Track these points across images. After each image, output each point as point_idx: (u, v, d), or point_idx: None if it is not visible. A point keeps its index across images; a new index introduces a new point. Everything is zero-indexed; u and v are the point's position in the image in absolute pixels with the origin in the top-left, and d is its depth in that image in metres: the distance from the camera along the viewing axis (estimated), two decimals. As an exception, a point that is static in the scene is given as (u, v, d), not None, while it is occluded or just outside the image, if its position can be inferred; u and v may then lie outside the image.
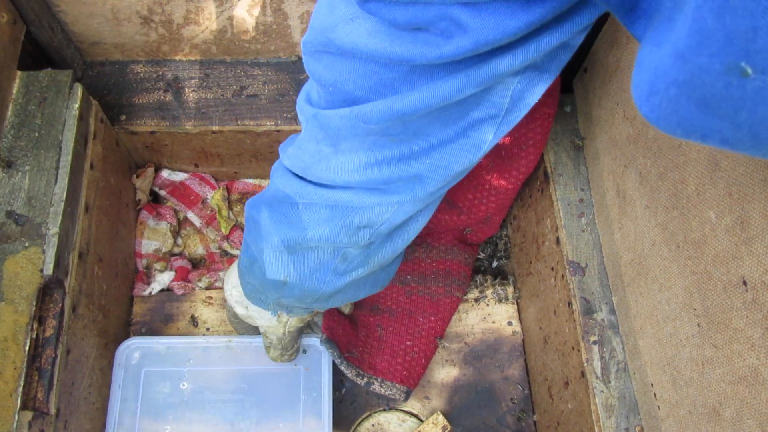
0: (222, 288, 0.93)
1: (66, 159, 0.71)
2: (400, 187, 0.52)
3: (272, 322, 0.74)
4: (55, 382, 0.64)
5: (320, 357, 0.83)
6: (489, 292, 0.95)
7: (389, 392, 0.86)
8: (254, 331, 0.83)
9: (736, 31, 0.21)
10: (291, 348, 0.79)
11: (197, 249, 0.99)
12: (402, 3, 0.39)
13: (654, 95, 0.27)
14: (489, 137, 0.49)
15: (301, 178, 0.57)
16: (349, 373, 0.85)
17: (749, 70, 0.22)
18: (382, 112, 0.45)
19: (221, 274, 0.94)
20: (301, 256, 0.61)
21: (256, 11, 0.82)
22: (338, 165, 0.52)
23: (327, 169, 0.53)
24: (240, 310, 0.74)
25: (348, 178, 0.52)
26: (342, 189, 0.54)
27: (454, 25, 0.38)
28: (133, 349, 0.82)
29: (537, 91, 0.47)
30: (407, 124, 0.46)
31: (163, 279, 0.91)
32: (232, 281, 0.74)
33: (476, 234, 0.95)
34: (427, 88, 0.43)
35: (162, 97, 0.88)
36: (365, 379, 0.85)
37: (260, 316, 0.73)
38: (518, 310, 0.94)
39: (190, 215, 0.98)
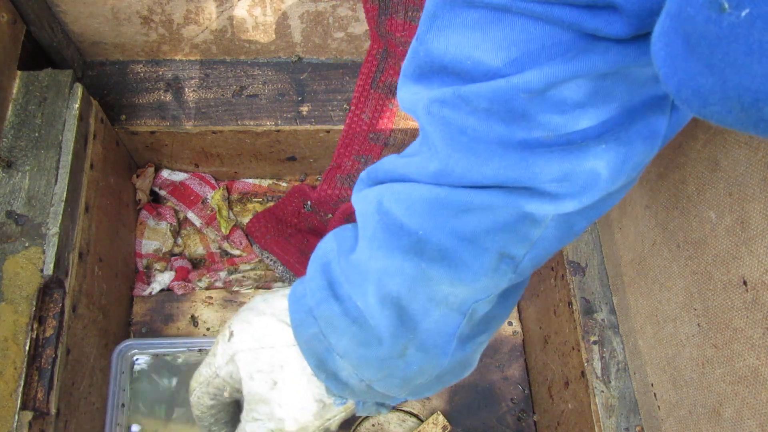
0: (222, 288, 0.93)
1: (66, 159, 0.71)
2: (565, 187, 0.40)
3: (306, 416, 0.50)
4: (55, 382, 0.64)
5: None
6: (489, 292, 0.95)
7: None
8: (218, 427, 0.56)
9: None
10: None
11: (197, 249, 0.99)
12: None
13: (658, 27, 0.27)
14: (663, 121, 0.40)
15: (432, 183, 0.42)
16: None
17: (726, 5, 0.22)
18: (546, 79, 0.36)
19: (221, 274, 0.94)
20: (425, 312, 0.44)
21: (257, 11, 0.82)
22: (487, 154, 0.39)
23: (470, 162, 0.40)
24: (259, 387, 0.49)
25: (500, 171, 0.39)
26: (491, 189, 0.41)
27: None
28: (131, 350, 0.82)
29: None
30: (566, 101, 0.37)
31: (163, 279, 0.91)
32: (259, 338, 0.49)
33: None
34: (597, 53, 0.35)
35: (162, 97, 0.88)
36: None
37: (290, 401, 0.49)
38: (518, 310, 0.94)
39: (190, 215, 0.98)
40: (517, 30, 0.36)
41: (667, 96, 0.39)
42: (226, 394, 0.52)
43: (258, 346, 0.49)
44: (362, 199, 0.46)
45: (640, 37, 0.35)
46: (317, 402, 0.49)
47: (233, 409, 0.55)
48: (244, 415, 0.51)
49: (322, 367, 0.47)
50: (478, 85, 0.38)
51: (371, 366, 0.46)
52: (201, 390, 0.53)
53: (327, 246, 0.50)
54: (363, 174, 0.48)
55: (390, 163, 0.45)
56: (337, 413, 0.51)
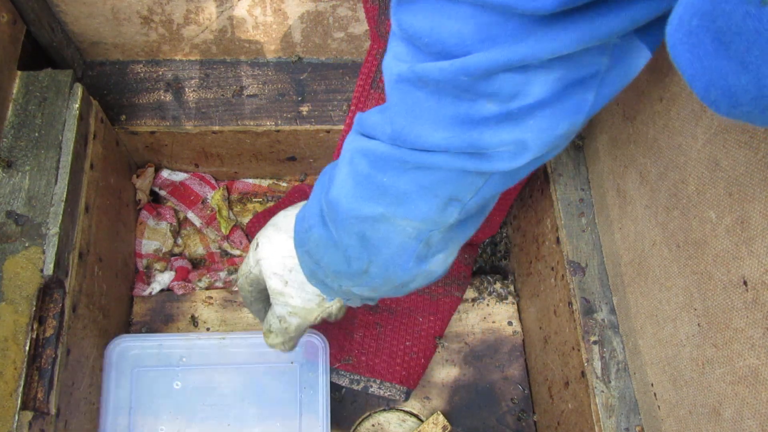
0: (222, 288, 0.93)
1: (66, 159, 0.71)
2: (502, 153, 0.48)
3: (310, 305, 0.66)
4: (55, 382, 0.64)
5: (317, 354, 0.83)
6: (489, 292, 0.95)
7: (389, 393, 0.86)
8: (263, 308, 0.74)
9: None
10: (297, 338, 0.71)
11: (197, 249, 0.99)
12: None
13: (680, 28, 0.27)
14: (590, 98, 0.46)
15: (390, 144, 0.52)
16: (343, 382, 0.85)
17: None
18: (486, 65, 0.42)
19: (221, 274, 0.94)
20: (386, 240, 0.55)
21: (256, 11, 0.82)
22: (436, 124, 0.47)
23: (423, 131, 0.48)
24: (275, 284, 0.65)
25: (446, 141, 0.48)
26: (439, 153, 0.49)
27: None
28: (125, 347, 0.81)
29: (637, 57, 0.45)
30: (505, 82, 0.44)
31: (163, 279, 0.91)
32: (276, 249, 0.64)
33: (476, 234, 0.95)
34: (534, 41, 0.40)
35: (162, 97, 0.88)
36: (362, 383, 0.85)
37: (299, 296, 0.65)
38: (518, 310, 0.94)
39: (190, 215, 0.98)
40: (467, 16, 0.42)
41: (597, 74, 0.45)
42: (259, 282, 0.69)
43: (274, 254, 0.64)
44: (345, 145, 0.57)
45: (568, 17, 0.39)
46: (317, 296, 0.65)
47: (266, 291, 0.71)
48: (271, 299, 0.67)
49: (313, 275, 0.62)
50: (431, 64, 0.45)
51: (345, 278, 0.59)
52: (242, 279, 0.70)
53: (323, 177, 0.60)
54: (356, 117, 0.57)
55: (369, 117, 0.54)
56: (333, 304, 0.67)
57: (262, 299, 0.73)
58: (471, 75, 0.43)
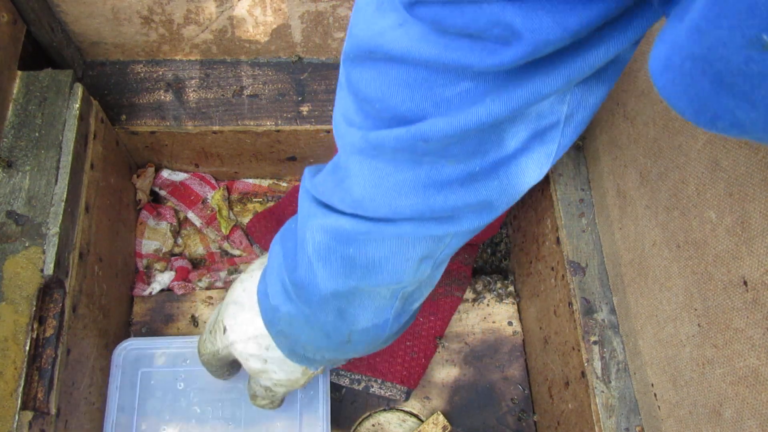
0: (222, 288, 0.93)
1: (66, 159, 0.71)
2: (468, 214, 0.47)
3: (295, 375, 0.64)
4: (55, 382, 0.64)
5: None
6: (489, 292, 0.95)
7: (389, 393, 0.86)
8: (231, 372, 0.72)
9: (758, 1, 0.20)
10: (283, 398, 0.70)
11: (197, 249, 0.99)
12: (449, 6, 0.35)
13: (669, 70, 0.26)
14: (553, 148, 0.45)
15: (351, 215, 0.49)
16: (343, 381, 0.85)
17: None
18: (444, 130, 0.40)
19: (221, 274, 0.94)
20: (362, 308, 0.53)
21: (257, 11, 0.82)
22: (397, 192, 0.45)
23: (385, 201, 0.46)
24: (255, 365, 0.62)
25: (411, 209, 0.46)
26: (405, 221, 0.47)
27: (508, 30, 0.34)
28: (131, 350, 0.82)
29: (595, 96, 0.44)
30: (464, 142, 0.42)
31: (163, 279, 0.91)
32: (246, 331, 0.60)
33: (477, 235, 0.95)
34: (491, 100, 0.38)
35: (162, 97, 0.88)
36: (363, 383, 0.85)
37: (281, 369, 0.62)
38: (518, 310, 0.94)
39: (191, 215, 0.98)
40: (418, 80, 0.40)
41: (557, 123, 0.43)
42: (228, 357, 0.66)
43: (246, 337, 0.61)
44: (301, 218, 0.53)
45: (523, 71, 0.38)
46: (300, 367, 0.63)
47: (235, 361, 0.68)
48: (251, 376, 0.65)
49: (293, 352, 0.60)
50: (385, 132, 0.42)
51: (328, 350, 0.58)
52: (208, 357, 0.67)
53: (276, 253, 0.58)
54: (306, 175, 0.54)
55: (324, 182, 0.51)
56: (313, 372, 0.65)
57: (227, 368, 0.70)
58: (429, 141, 0.41)
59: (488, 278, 0.96)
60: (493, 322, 0.93)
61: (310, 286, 0.52)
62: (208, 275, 0.93)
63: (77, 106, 0.74)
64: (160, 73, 0.90)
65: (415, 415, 0.88)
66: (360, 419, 0.87)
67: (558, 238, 0.76)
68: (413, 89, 0.40)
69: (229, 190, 1.02)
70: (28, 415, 0.61)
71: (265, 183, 1.03)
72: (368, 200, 0.47)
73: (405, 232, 0.47)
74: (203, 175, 1.00)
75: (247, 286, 0.63)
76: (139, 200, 0.96)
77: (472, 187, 0.45)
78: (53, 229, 0.67)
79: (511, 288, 0.95)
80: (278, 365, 0.62)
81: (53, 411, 0.64)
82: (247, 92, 0.89)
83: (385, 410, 0.88)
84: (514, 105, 0.39)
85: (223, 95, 0.89)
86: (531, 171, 0.45)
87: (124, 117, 0.87)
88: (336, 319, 0.54)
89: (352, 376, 0.85)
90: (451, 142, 0.41)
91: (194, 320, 0.90)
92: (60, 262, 0.67)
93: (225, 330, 0.62)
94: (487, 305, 0.94)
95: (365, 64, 0.42)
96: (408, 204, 0.46)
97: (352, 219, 0.48)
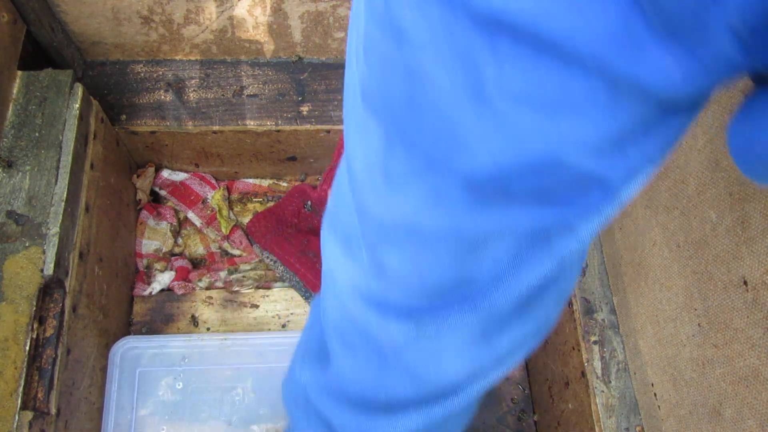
0: (222, 288, 0.93)
1: (66, 159, 0.71)
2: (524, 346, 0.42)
3: None
4: (55, 382, 0.64)
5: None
6: (489, 292, 0.95)
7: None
8: None
9: None
10: None
11: (198, 249, 0.99)
12: None
13: (758, 161, 0.24)
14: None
15: (414, 400, 0.43)
16: None
17: None
18: (510, 296, 0.36)
19: (222, 274, 0.94)
20: None
21: (257, 11, 0.82)
22: (463, 356, 0.40)
23: (449, 367, 0.41)
24: None
25: (474, 364, 0.41)
26: (470, 381, 0.43)
27: (597, 183, 0.30)
28: (128, 348, 0.81)
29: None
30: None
31: (163, 279, 0.91)
32: None
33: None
34: (551, 249, 0.34)
35: (162, 97, 0.88)
36: None
37: None
38: (518, 310, 0.94)
39: (191, 215, 0.98)
40: (477, 254, 0.34)
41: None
42: None
43: None
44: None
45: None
46: None
47: None
48: None
49: None
50: (443, 318, 0.37)
51: None
52: None
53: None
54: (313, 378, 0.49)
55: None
56: None
57: None
58: (498, 307, 0.37)
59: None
60: (493, 322, 0.93)
61: None
62: (208, 275, 0.93)
63: (77, 106, 0.74)
64: (160, 73, 0.90)
65: (415, 415, 0.88)
66: None
67: (558, 238, 0.76)
68: (458, 256, 0.34)
69: (229, 189, 1.02)
70: (28, 415, 0.61)
71: (265, 183, 1.03)
72: (433, 375, 0.43)
73: (473, 388, 0.44)
74: (203, 175, 1.00)
75: None
76: (139, 200, 0.96)
77: (528, 315, 0.40)
78: (53, 229, 0.67)
79: (511, 288, 0.95)
80: None
81: (53, 411, 0.64)
82: (247, 92, 0.89)
83: (385, 410, 0.88)
84: (570, 246, 0.34)
85: (223, 95, 0.89)
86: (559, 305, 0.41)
87: (124, 117, 0.87)
88: None
89: None
90: (515, 297, 0.37)
91: (194, 320, 0.90)
92: (60, 262, 0.67)
93: None
94: (487, 305, 0.94)
95: (396, 247, 0.35)
96: (471, 358, 0.41)
97: (420, 406, 0.44)
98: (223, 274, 0.94)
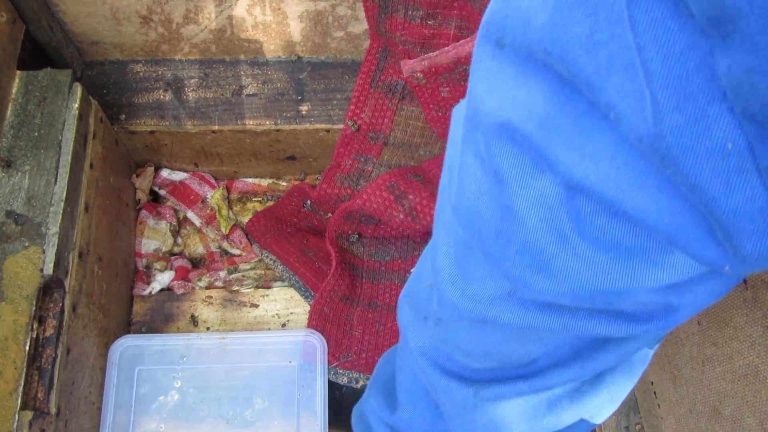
0: (222, 287, 0.93)
1: (66, 159, 0.71)
2: (577, 424, 0.44)
3: None
4: (55, 381, 0.64)
5: (314, 354, 0.83)
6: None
7: (389, 391, 0.86)
8: None
9: None
10: None
11: (197, 248, 0.99)
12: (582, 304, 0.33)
13: None
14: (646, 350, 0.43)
15: None
16: (342, 380, 0.85)
17: None
18: (566, 378, 0.39)
19: (221, 273, 0.94)
20: None
21: (256, 10, 0.82)
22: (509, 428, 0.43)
23: None
24: None
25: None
26: None
27: (662, 308, 0.32)
28: (127, 347, 0.81)
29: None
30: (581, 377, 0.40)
31: (163, 278, 0.91)
32: None
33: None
34: (614, 347, 0.37)
35: (161, 97, 0.88)
36: (361, 382, 0.85)
37: None
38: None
39: (190, 215, 0.98)
40: (530, 334, 0.37)
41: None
42: None
43: None
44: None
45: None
46: None
47: None
48: None
49: None
50: (503, 388, 0.40)
51: None
52: None
53: None
54: (385, 417, 0.52)
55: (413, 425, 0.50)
56: None
57: None
58: (553, 387, 0.40)
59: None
60: (493, 321, 0.93)
61: None
62: (208, 275, 0.93)
63: (76, 105, 0.74)
64: (160, 72, 0.90)
65: (415, 414, 0.88)
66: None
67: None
68: (524, 341, 0.38)
69: (228, 189, 1.02)
70: (28, 414, 0.61)
71: (265, 182, 1.03)
72: None
73: None
74: (203, 174, 1.00)
75: None
76: (139, 200, 0.96)
77: (578, 401, 0.43)
78: (53, 229, 0.67)
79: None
80: None
81: (53, 411, 0.64)
82: (246, 91, 0.89)
83: (385, 409, 0.88)
84: (636, 347, 0.37)
85: (222, 94, 0.89)
86: (634, 375, 0.43)
87: (123, 116, 0.87)
88: None
89: (351, 375, 0.85)
90: (573, 380, 0.40)
91: (194, 319, 0.90)
92: (60, 262, 0.67)
93: None
94: (487, 304, 0.94)
95: (466, 329, 0.40)
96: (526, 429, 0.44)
97: None
98: (222, 273, 0.94)
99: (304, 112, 0.88)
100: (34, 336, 0.63)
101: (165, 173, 0.98)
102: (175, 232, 0.98)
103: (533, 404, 0.42)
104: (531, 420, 0.43)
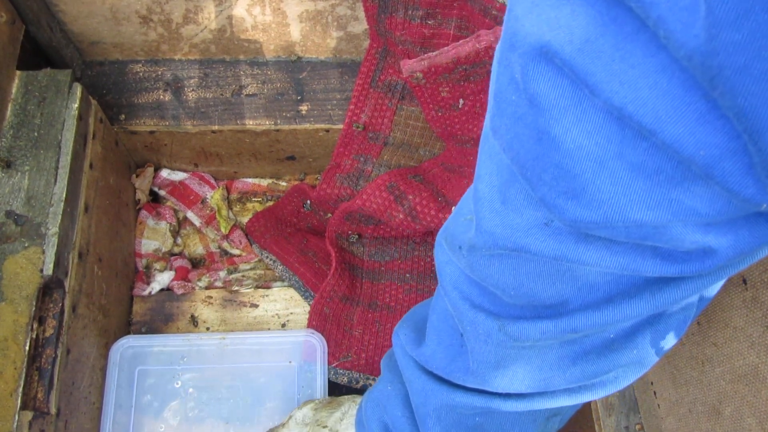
0: (222, 288, 0.93)
1: (65, 159, 0.71)
2: (606, 378, 0.43)
3: None
4: (55, 382, 0.64)
5: (314, 353, 0.83)
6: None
7: (389, 391, 0.86)
8: None
9: None
10: None
11: (197, 249, 0.99)
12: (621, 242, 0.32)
13: None
14: (692, 313, 0.41)
15: (477, 391, 0.47)
16: (342, 380, 0.85)
17: None
18: (600, 321, 0.37)
19: (221, 273, 0.94)
20: None
21: (256, 10, 0.82)
22: (531, 370, 0.43)
23: (514, 379, 0.44)
24: None
25: (545, 381, 0.43)
26: (537, 396, 0.45)
27: (701, 248, 0.31)
28: (127, 347, 0.82)
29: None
30: (616, 324, 0.39)
31: (162, 279, 0.91)
32: None
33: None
34: (649, 296, 0.36)
35: (161, 97, 0.88)
36: (361, 382, 0.85)
37: None
38: (518, 308, 0.94)
39: (190, 215, 0.98)
40: (563, 270, 0.37)
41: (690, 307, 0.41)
42: None
43: None
44: (417, 398, 0.52)
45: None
46: None
47: None
48: None
49: None
50: (528, 325, 0.39)
51: None
52: None
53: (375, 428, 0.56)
54: (409, 349, 0.52)
55: (434, 359, 0.49)
56: None
57: None
58: (578, 330, 0.38)
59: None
60: (493, 321, 0.93)
61: None
62: (208, 275, 0.93)
63: (76, 105, 0.74)
64: (159, 72, 0.90)
65: (415, 414, 0.88)
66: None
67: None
68: (555, 278, 0.38)
69: (228, 189, 1.02)
70: (28, 415, 0.61)
71: (265, 182, 1.03)
72: (492, 380, 0.45)
73: (533, 404, 0.46)
74: (202, 174, 1.00)
75: None
76: (139, 200, 0.96)
77: (614, 353, 0.42)
78: (52, 229, 0.67)
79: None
80: None
81: (53, 411, 0.64)
82: (246, 91, 0.89)
83: (384, 409, 0.88)
84: (671, 300, 0.36)
85: (222, 94, 0.88)
86: (670, 338, 0.42)
87: (123, 117, 0.87)
88: None
89: (351, 375, 0.85)
90: (603, 327, 0.39)
91: (194, 320, 0.90)
92: (59, 262, 0.67)
93: None
94: (487, 304, 0.94)
95: (499, 258, 0.39)
96: (542, 377, 0.43)
97: (479, 396, 0.47)
98: (222, 273, 0.94)
99: (303, 112, 0.88)
100: (34, 336, 0.63)
101: (165, 173, 0.98)
102: (175, 233, 0.98)
103: (558, 354, 0.42)
104: (552, 369, 0.42)
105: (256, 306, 0.91)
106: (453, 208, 0.90)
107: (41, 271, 0.65)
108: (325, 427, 0.63)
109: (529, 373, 0.43)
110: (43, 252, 0.66)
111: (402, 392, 0.55)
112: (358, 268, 0.93)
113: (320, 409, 0.68)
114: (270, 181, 1.03)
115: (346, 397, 0.68)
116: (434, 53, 0.74)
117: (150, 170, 0.97)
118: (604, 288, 0.37)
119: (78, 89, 0.74)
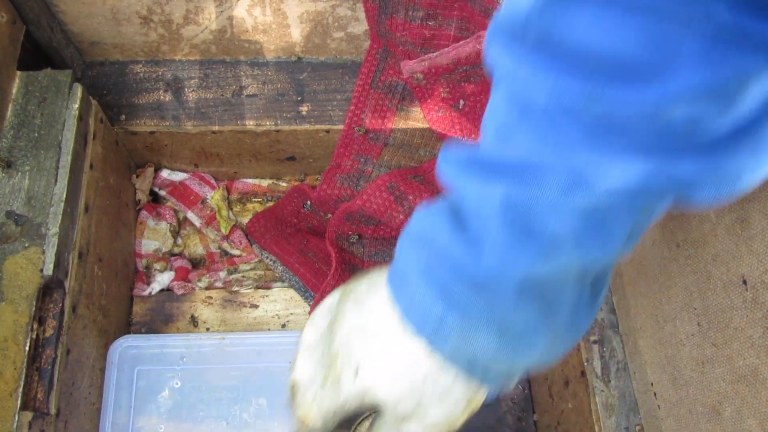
0: (222, 288, 0.93)
1: (66, 159, 0.71)
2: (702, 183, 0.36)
3: (457, 410, 0.48)
4: (55, 382, 0.64)
5: (320, 357, 0.83)
6: (489, 291, 0.95)
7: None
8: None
9: None
10: None
11: (197, 249, 0.99)
12: None
13: None
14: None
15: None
16: None
17: None
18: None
19: (221, 274, 0.94)
20: (563, 292, 0.40)
21: (256, 11, 0.82)
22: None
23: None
24: (405, 407, 0.46)
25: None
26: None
27: None
28: (127, 347, 0.81)
29: None
30: None
31: (162, 279, 0.91)
32: (388, 368, 0.45)
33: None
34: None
35: (162, 97, 0.88)
36: None
37: (440, 407, 0.47)
38: (518, 309, 0.94)
39: (190, 215, 0.98)
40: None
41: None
42: (350, 412, 0.51)
43: (393, 372, 0.45)
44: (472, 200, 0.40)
45: None
46: (466, 399, 0.48)
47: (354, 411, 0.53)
48: (389, 421, 0.49)
49: (472, 370, 0.44)
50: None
51: (524, 361, 0.43)
52: (326, 419, 0.50)
53: (415, 257, 0.42)
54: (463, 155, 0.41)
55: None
56: (480, 397, 0.49)
57: (348, 421, 0.56)
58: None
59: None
60: (493, 322, 0.93)
61: (499, 278, 0.39)
62: (208, 275, 0.93)
63: (76, 106, 0.74)
64: (160, 73, 0.90)
65: (415, 415, 0.88)
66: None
67: (557, 238, 0.76)
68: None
69: (228, 189, 1.02)
70: (28, 415, 0.61)
71: (265, 183, 1.03)
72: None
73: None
74: (203, 174, 1.00)
75: (368, 310, 0.47)
76: (139, 200, 0.96)
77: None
78: (53, 230, 0.67)
79: (510, 287, 0.95)
80: (437, 400, 0.46)
81: (53, 411, 0.64)
82: (246, 92, 0.89)
83: (384, 410, 0.88)
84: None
85: (222, 95, 0.89)
86: None
87: (123, 117, 0.87)
88: (535, 313, 0.41)
89: None
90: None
91: (194, 320, 0.90)
92: (59, 263, 0.67)
93: (357, 372, 0.47)
94: (487, 305, 0.94)
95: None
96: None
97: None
98: (222, 274, 0.94)
99: (304, 113, 0.88)
100: (34, 336, 0.63)
101: (165, 174, 0.98)
102: (175, 233, 0.98)
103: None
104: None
105: (256, 306, 0.91)
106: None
107: (41, 271, 0.65)
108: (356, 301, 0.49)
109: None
110: (43, 252, 0.66)
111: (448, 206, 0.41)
112: (358, 269, 0.93)
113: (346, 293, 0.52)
114: (270, 181, 1.03)
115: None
116: (435, 54, 0.74)
117: (150, 170, 0.97)
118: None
119: (78, 89, 0.74)
